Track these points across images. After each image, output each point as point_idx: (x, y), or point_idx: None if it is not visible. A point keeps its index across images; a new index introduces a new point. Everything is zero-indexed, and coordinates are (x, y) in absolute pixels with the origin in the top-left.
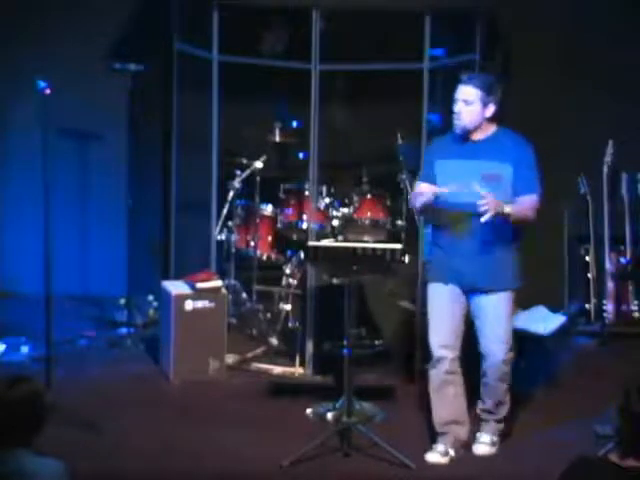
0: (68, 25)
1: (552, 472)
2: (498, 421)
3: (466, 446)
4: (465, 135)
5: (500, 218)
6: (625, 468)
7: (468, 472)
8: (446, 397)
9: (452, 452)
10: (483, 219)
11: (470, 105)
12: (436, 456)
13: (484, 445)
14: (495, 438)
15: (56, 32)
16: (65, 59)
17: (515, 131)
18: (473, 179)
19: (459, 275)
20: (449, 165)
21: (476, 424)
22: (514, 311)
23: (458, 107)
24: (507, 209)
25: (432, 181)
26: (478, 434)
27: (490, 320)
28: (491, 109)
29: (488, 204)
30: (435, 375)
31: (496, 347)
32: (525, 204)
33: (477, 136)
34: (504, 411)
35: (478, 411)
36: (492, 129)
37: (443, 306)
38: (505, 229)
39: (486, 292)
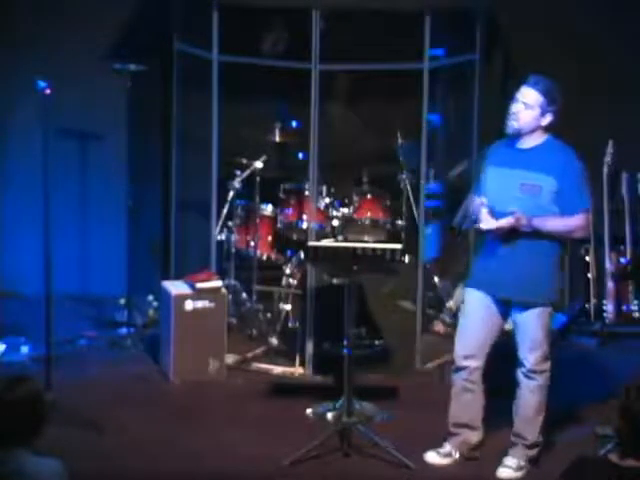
0: (68, 25)
1: (552, 472)
2: (528, 446)
3: (474, 449)
4: (516, 138)
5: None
6: (625, 468)
7: (468, 472)
8: (464, 401)
9: (456, 455)
10: (484, 226)
11: (529, 109)
12: (435, 457)
13: (508, 469)
14: (522, 463)
15: (56, 32)
16: (65, 59)
17: (565, 144)
18: (513, 187)
19: (494, 284)
20: (493, 172)
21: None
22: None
23: (517, 108)
24: (535, 223)
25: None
26: (505, 457)
27: (521, 329)
28: (548, 118)
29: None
30: (456, 380)
31: (524, 355)
32: (561, 220)
33: (527, 144)
34: (534, 435)
35: (511, 436)
36: (544, 138)
37: (472, 314)
38: (541, 243)
39: (520, 303)
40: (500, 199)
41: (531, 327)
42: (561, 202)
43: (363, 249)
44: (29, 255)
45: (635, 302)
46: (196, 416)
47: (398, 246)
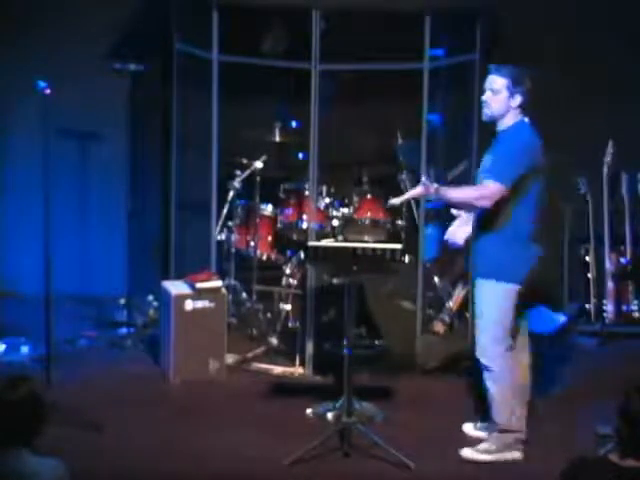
0: (68, 25)
1: (552, 472)
2: (500, 431)
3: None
4: (492, 123)
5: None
6: (624, 468)
7: (468, 472)
8: None
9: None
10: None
11: (497, 94)
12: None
13: (471, 449)
14: (493, 447)
15: (56, 32)
16: (65, 59)
17: (531, 125)
18: (482, 172)
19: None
20: (484, 157)
21: None
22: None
23: (486, 96)
24: (441, 192)
25: None
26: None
27: (477, 308)
28: (518, 99)
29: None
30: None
31: (477, 338)
32: (470, 190)
33: (501, 126)
34: (503, 419)
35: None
36: (515, 120)
37: None
38: (490, 220)
39: (476, 280)
40: (477, 183)
41: (479, 301)
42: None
43: (363, 249)
44: (29, 255)
45: (635, 302)
46: (196, 416)
47: (398, 246)
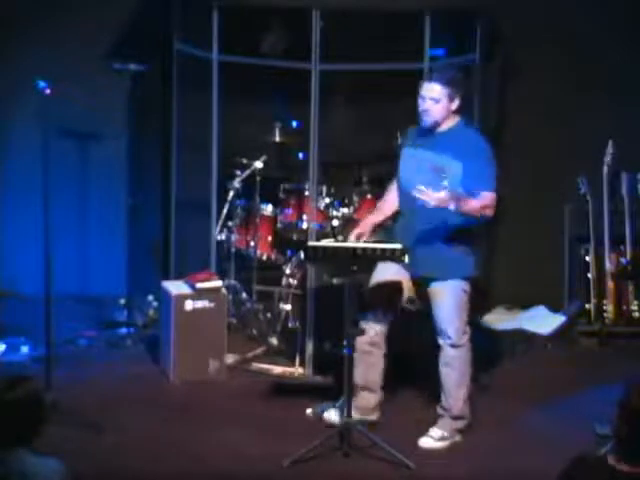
0: (68, 25)
1: (552, 472)
2: (453, 418)
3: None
4: (433, 127)
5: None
6: (618, 471)
7: (468, 472)
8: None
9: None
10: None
11: (438, 103)
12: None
13: (429, 438)
14: (447, 434)
15: (56, 32)
16: (65, 59)
17: (474, 127)
18: (423, 168)
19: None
20: (408, 153)
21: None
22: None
23: (426, 105)
24: (452, 206)
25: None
26: (431, 428)
27: (436, 304)
28: (456, 102)
29: (426, 196)
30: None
31: (443, 329)
32: (475, 201)
33: (441, 128)
34: (457, 408)
35: (437, 408)
36: (454, 122)
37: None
38: (446, 223)
39: (431, 279)
40: (412, 179)
41: (441, 299)
42: (466, 184)
43: (363, 249)
44: (29, 255)
45: (635, 302)
46: (196, 416)
47: (398, 246)
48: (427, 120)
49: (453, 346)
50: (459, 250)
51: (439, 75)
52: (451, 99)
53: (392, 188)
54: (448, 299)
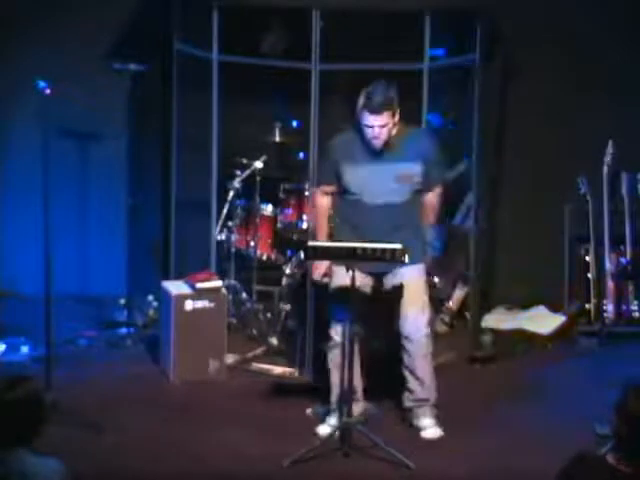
0: (68, 25)
1: (552, 472)
2: (433, 406)
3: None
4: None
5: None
6: (618, 471)
7: (468, 472)
8: None
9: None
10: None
11: (386, 127)
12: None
13: (432, 428)
14: (435, 421)
15: (56, 32)
16: (65, 59)
17: (416, 127)
18: (387, 180)
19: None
20: (362, 171)
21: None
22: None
23: (375, 133)
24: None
25: (336, 181)
26: (419, 421)
27: (410, 292)
28: (398, 115)
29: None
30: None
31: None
32: (432, 214)
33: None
34: (433, 394)
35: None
36: (398, 130)
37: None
38: (410, 214)
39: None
40: (376, 192)
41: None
42: (425, 181)
43: (363, 249)
44: (29, 255)
45: (635, 302)
46: (196, 416)
47: (398, 246)
48: (378, 144)
49: (427, 336)
50: (419, 238)
51: (381, 101)
52: (395, 114)
53: (323, 207)
54: (418, 281)
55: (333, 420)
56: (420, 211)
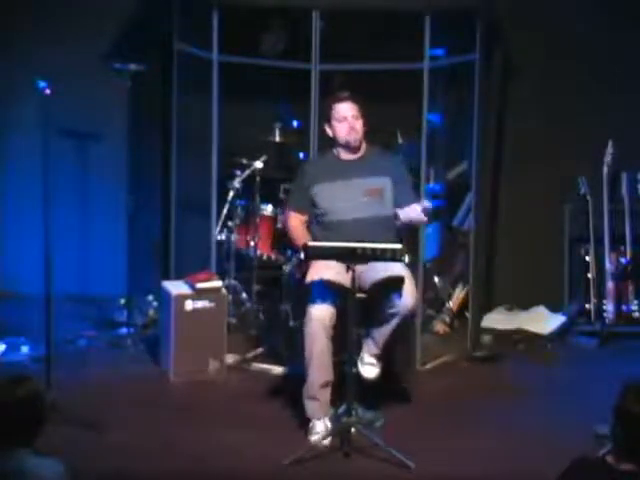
0: (68, 25)
1: (551, 472)
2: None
3: None
4: (343, 150)
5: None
6: (619, 471)
7: (468, 472)
8: None
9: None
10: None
11: (359, 118)
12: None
13: (369, 366)
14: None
15: (56, 32)
16: (65, 59)
17: (380, 145)
18: (357, 195)
19: None
20: (332, 188)
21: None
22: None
23: (352, 123)
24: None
25: (308, 207)
26: (362, 357)
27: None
28: (362, 119)
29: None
30: None
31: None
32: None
33: (350, 155)
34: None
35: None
36: (366, 148)
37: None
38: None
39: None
40: (346, 208)
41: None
42: (399, 196)
43: (363, 249)
44: (29, 255)
45: (635, 302)
46: (196, 416)
47: (398, 246)
48: (356, 138)
49: (411, 318)
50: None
51: (349, 95)
52: (361, 114)
53: (297, 226)
54: (406, 272)
55: (327, 422)
56: (392, 227)
